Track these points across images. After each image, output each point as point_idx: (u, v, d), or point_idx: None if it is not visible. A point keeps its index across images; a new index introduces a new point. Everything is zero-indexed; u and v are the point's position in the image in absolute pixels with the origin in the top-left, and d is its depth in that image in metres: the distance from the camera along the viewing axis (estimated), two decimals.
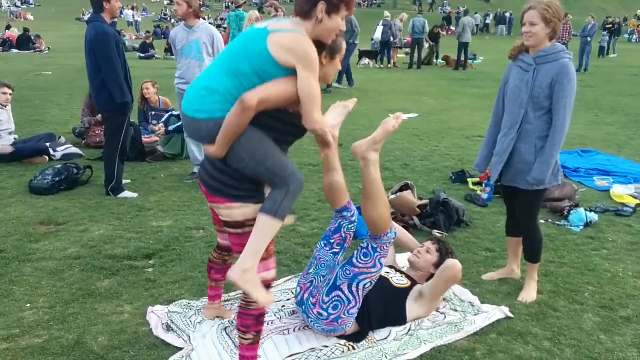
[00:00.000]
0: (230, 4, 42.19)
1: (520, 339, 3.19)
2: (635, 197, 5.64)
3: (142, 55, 20.48)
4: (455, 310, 3.48)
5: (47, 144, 6.80)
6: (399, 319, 3.25)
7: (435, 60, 20.99)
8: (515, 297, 3.66)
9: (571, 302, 3.62)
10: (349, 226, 3.17)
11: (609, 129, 9.50)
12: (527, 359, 3.02)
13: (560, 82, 3.28)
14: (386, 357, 2.97)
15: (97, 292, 3.60)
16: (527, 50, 3.45)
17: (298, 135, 2.52)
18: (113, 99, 5.11)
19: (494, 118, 3.73)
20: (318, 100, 2.33)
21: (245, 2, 13.87)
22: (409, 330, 3.22)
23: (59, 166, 5.76)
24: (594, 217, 5.02)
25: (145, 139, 7.24)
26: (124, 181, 5.68)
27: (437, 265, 3.40)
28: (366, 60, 19.86)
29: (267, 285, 2.53)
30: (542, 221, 3.67)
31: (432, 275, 3.41)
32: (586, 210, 5.11)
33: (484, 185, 5.58)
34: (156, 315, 3.28)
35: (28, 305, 3.43)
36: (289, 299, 3.53)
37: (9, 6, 42.98)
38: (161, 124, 7.65)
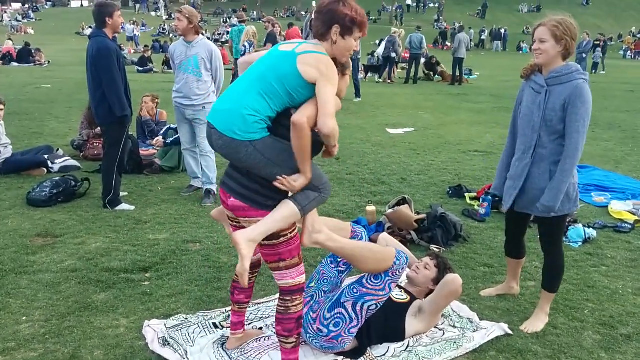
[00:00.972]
0: (228, 19, 42.51)
1: (519, 357, 3.16)
2: (633, 214, 5.64)
3: (140, 69, 20.56)
4: (454, 327, 3.46)
5: (45, 156, 6.79)
6: (398, 334, 3.23)
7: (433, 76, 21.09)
8: (514, 314, 3.64)
9: (571, 319, 3.60)
10: None
11: (606, 144, 9.53)
12: None
13: (573, 104, 3.12)
14: None
15: (93, 305, 3.57)
16: (540, 70, 3.31)
17: (316, 151, 2.60)
18: (113, 112, 5.13)
19: (510, 138, 3.59)
20: (333, 108, 2.45)
21: (248, 19, 14.22)
22: (407, 346, 3.20)
23: (56, 178, 5.74)
24: (592, 233, 5.02)
25: (143, 151, 7.26)
26: (122, 194, 5.66)
27: (436, 280, 3.38)
28: (368, 74, 20.04)
29: (301, 288, 2.69)
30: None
31: (431, 291, 3.39)
32: (585, 226, 5.10)
33: (481, 200, 5.64)
34: (152, 329, 3.26)
35: (24, 318, 3.40)
36: None
37: (9, 20, 43.11)
38: (159, 137, 7.65)
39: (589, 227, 5.16)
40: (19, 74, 18.05)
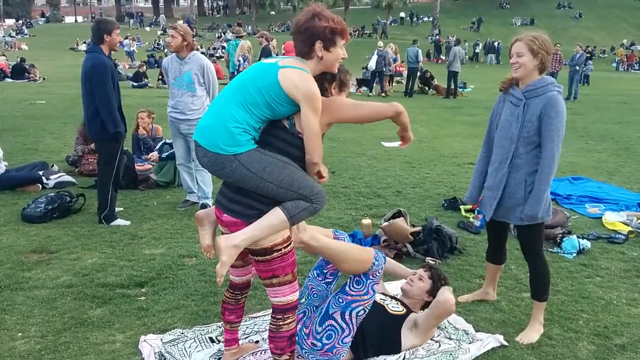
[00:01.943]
0: (222, 33, 42.74)
1: None
2: (627, 224, 5.67)
3: (135, 84, 20.59)
4: (450, 338, 3.47)
5: (40, 172, 6.78)
6: (394, 347, 3.23)
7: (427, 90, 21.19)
8: (509, 325, 3.65)
9: (566, 330, 3.61)
10: None
11: (600, 156, 9.60)
12: None
13: (548, 115, 3.23)
14: None
15: (89, 321, 3.57)
16: (517, 83, 3.42)
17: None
18: (106, 128, 5.14)
19: (484, 148, 3.70)
20: (317, 136, 2.49)
21: (244, 34, 14.36)
22: (403, 359, 3.20)
23: (51, 194, 5.74)
24: (586, 244, 5.04)
25: (139, 166, 7.26)
26: (117, 209, 5.66)
27: (430, 292, 3.39)
28: (361, 87, 20.12)
29: (294, 306, 2.69)
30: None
31: (426, 303, 3.40)
32: (579, 237, 5.13)
33: (476, 212, 5.66)
34: (148, 345, 3.25)
35: (19, 334, 3.39)
36: None
37: (3, 36, 43.19)
38: (154, 152, 7.67)
39: (583, 238, 5.18)
40: (13, 90, 18.05)
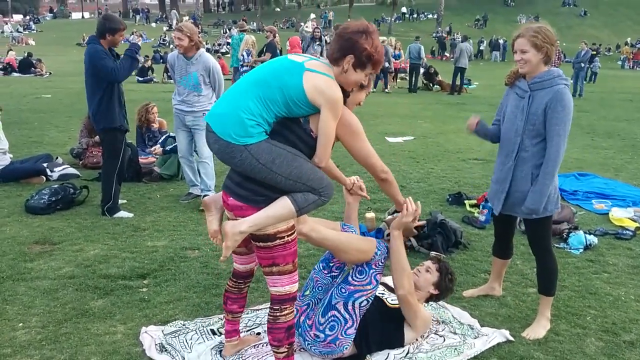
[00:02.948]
0: (228, 30, 42.71)
1: None
2: (634, 220, 5.62)
3: (140, 79, 20.57)
4: (455, 333, 3.43)
5: (44, 164, 6.77)
6: (397, 340, 3.19)
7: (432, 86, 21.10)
8: (515, 320, 3.61)
9: (573, 326, 3.57)
10: None
11: (606, 152, 9.53)
12: None
13: (554, 109, 3.17)
14: None
15: (91, 312, 3.54)
16: (523, 76, 3.38)
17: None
18: (109, 117, 5.12)
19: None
20: (331, 142, 2.52)
21: (248, 28, 14.43)
22: (407, 353, 3.16)
23: (55, 186, 5.72)
24: (593, 240, 4.99)
25: (142, 159, 7.25)
26: (120, 201, 5.64)
27: (437, 284, 3.33)
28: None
29: (292, 298, 2.66)
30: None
31: (431, 295, 3.35)
32: (585, 233, 5.08)
33: (481, 207, 5.61)
34: (149, 336, 3.23)
35: (20, 324, 3.37)
36: None
37: (11, 31, 43.29)
38: (158, 145, 7.65)
39: (589, 234, 5.13)
40: (19, 84, 18.07)
